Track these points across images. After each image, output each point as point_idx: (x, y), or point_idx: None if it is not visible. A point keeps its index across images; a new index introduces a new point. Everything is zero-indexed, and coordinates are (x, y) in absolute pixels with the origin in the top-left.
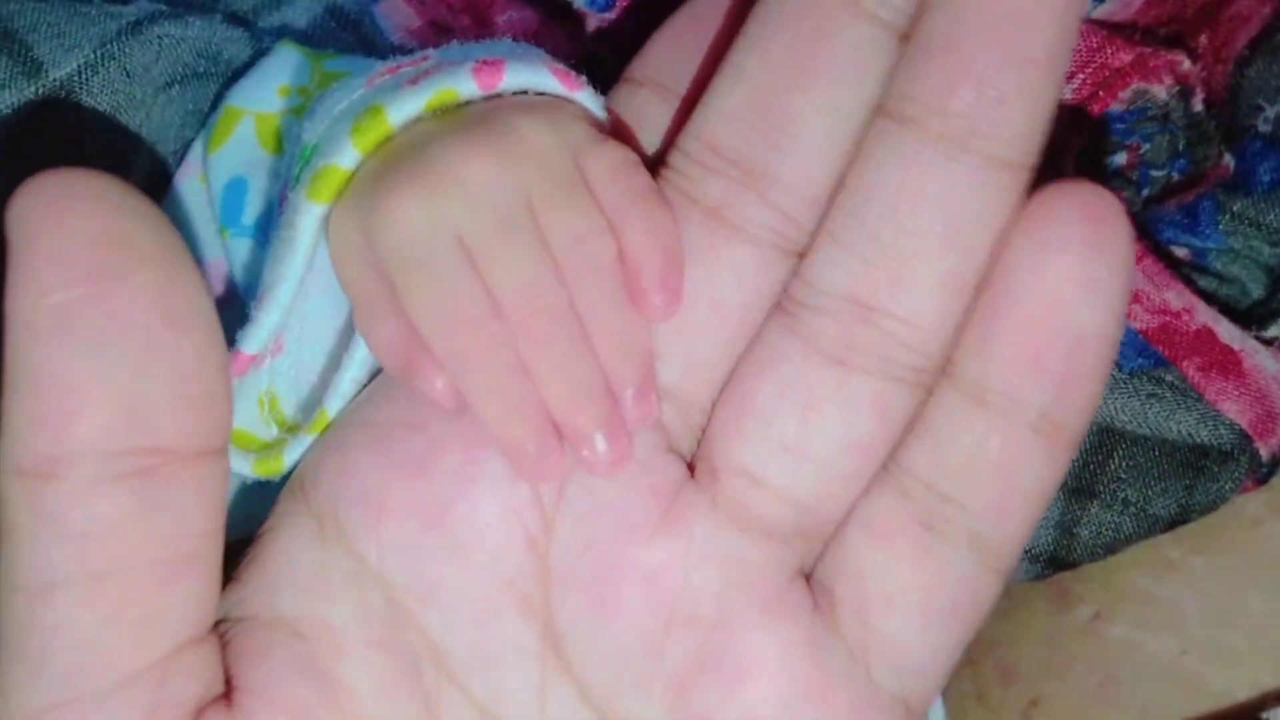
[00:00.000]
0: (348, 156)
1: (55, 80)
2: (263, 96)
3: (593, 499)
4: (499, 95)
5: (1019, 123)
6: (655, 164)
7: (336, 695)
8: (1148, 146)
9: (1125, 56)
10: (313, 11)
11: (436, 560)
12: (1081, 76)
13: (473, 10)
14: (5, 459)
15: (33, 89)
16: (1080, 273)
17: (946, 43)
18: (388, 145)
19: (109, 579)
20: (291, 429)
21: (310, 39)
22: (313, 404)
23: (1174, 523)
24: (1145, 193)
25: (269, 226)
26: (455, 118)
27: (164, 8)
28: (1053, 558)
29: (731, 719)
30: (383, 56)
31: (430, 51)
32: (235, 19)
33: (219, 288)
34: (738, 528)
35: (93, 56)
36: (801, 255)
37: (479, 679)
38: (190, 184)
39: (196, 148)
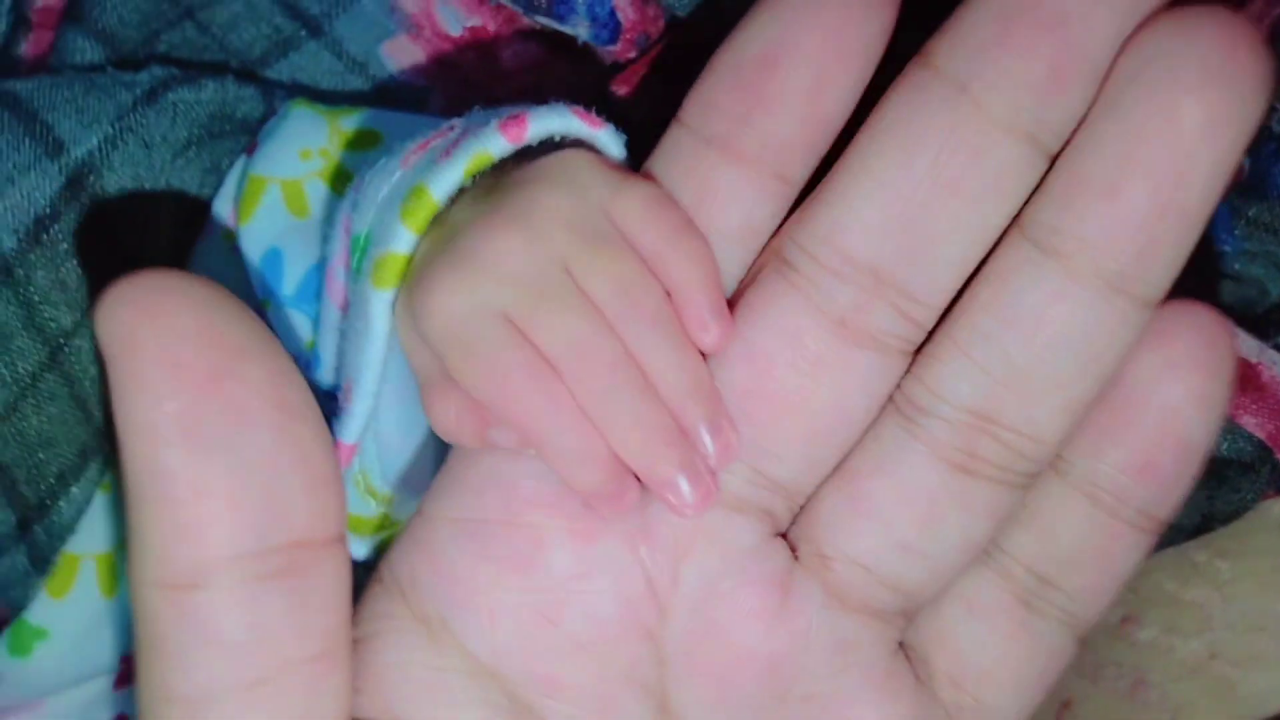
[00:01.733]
0: (403, 240)
1: (77, 158)
2: (285, 162)
3: (707, 586)
4: (529, 146)
5: (1167, 268)
6: (740, 244)
7: None
8: None
9: None
10: (320, 57)
11: (556, 656)
12: None
13: (479, 47)
14: (145, 571)
15: (56, 168)
16: (1199, 391)
17: (1108, 188)
18: (437, 224)
19: (266, 684)
20: (387, 500)
21: (320, 84)
22: (406, 492)
23: (1196, 531)
24: None
25: (311, 294)
26: (489, 192)
27: (175, 71)
28: None
29: None
30: (394, 98)
31: (455, 121)
32: (246, 75)
33: None
34: (847, 610)
35: (111, 131)
36: (916, 352)
37: None
38: (214, 245)
39: (218, 209)
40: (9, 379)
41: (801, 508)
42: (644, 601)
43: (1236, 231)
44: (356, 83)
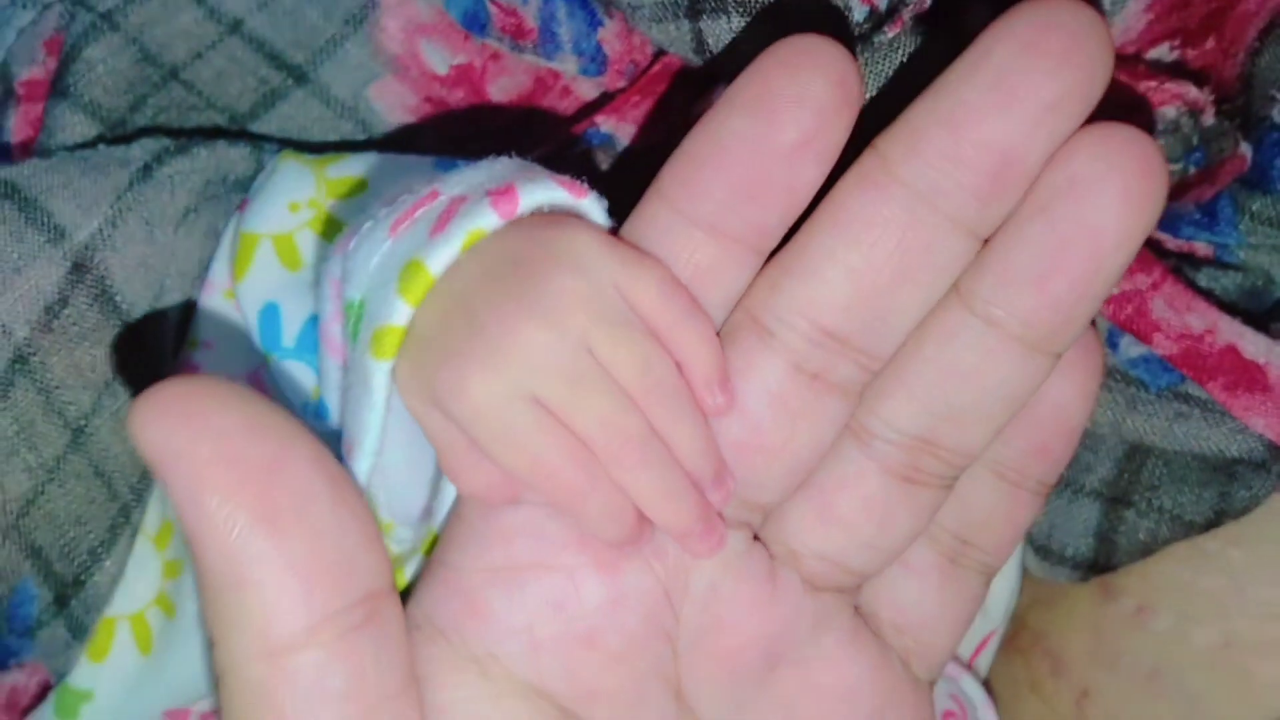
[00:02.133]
0: (401, 314)
1: (80, 243)
2: (275, 217)
3: (710, 588)
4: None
5: (1078, 333)
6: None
7: None
8: (1161, 143)
9: (1133, 94)
10: (308, 105)
11: (594, 671)
12: None
13: (466, 83)
14: (246, 646)
15: (60, 254)
16: (1083, 390)
17: (1037, 278)
18: (434, 296)
19: None
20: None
21: (310, 132)
22: (418, 525)
23: (1209, 526)
24: None
25: (311, 345)
26: (490, 263)
27: (167, 142)
28: (1093, 564)
29: (818, 698)
30: (385, 139)
31: (436, 181)
32: (235, 133)
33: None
34: (818, 591)
35: (111, 212)
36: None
37: None
38: (215, 302)
39: (216, 268)
40: (35, 465)
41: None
42: (662, 610)
43: (1240, 226)
44: (347, 128)
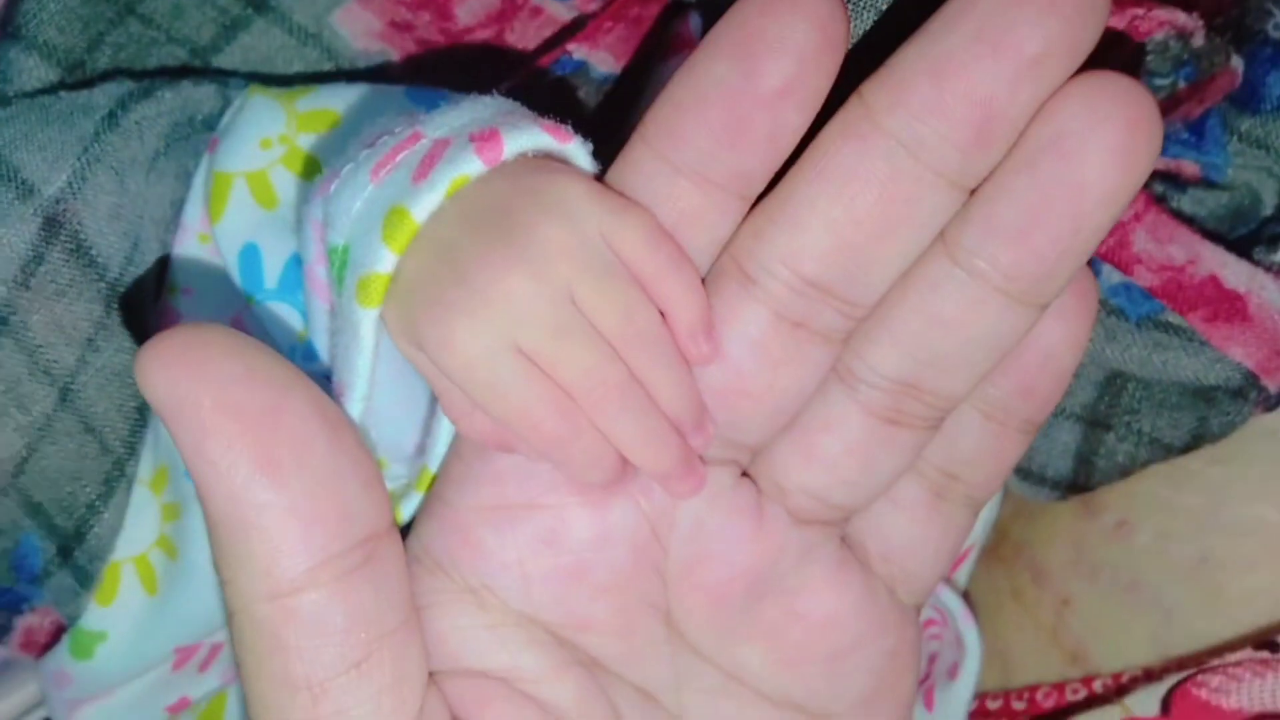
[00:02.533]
0: (386, 262)
1: (49, 197)
2: (246, 154)
3: (698, 523)
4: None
5: (1061, 286)
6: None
7: (549, 714)
8: (1151, 57)
9: (1118, 23)
10: (270, 34)
11: (586, 602)
12: None
13: (433, 6)
14: (252, 588)
15: (30, 211)
16: (1073, 335)
17: (1019, 232)
18: (418, 242)
19: (370, 657)
20: (384, 466)
21: (275, 63)
22: (412, 462)
23: (1187, 449)
24: None
25: (294, 285)
26: (475, 210)
27: (129, 85)
28: (1071, 484)
29: (804, 625)
30: (351, 67)
31: (417, 123)
32: (198, 69)
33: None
34: (804, 524)
35: (79, 164)
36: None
37: (631, 671)
38: (192, 247)
39: (189, 211)
40: (25, 424)
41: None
42: (650, 544)
43: (1229, 147)
44: (312, 56)
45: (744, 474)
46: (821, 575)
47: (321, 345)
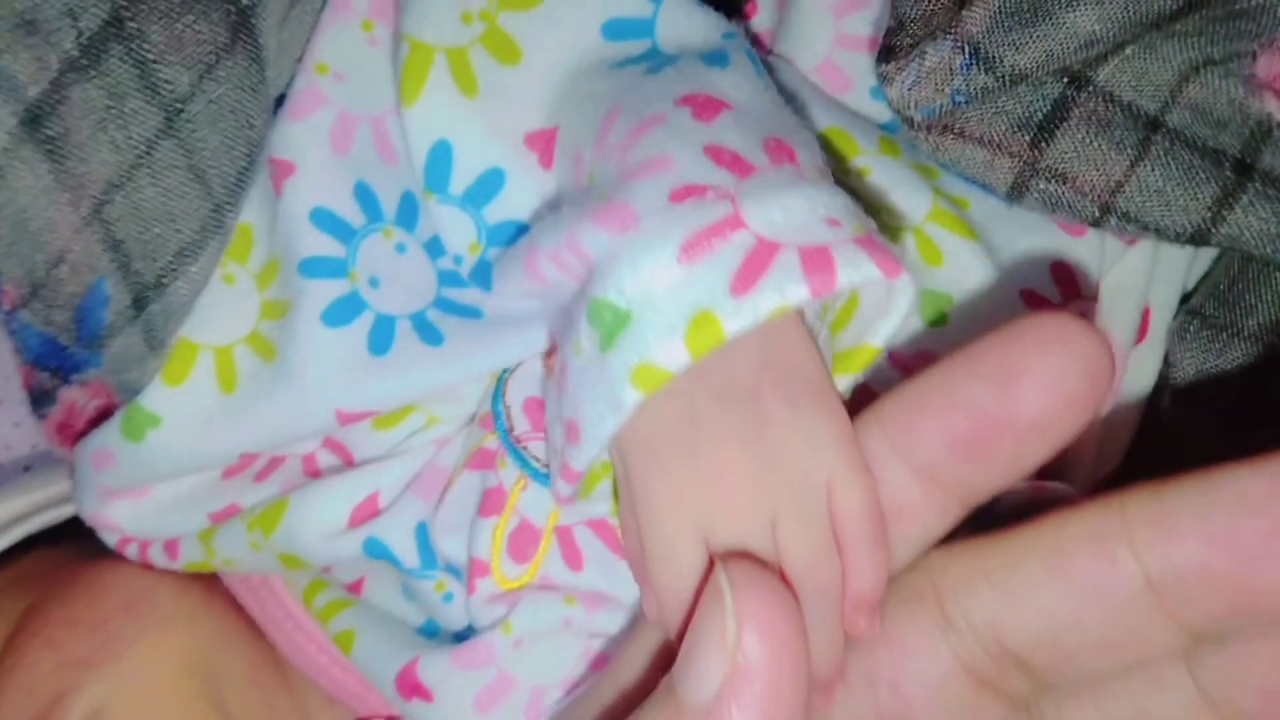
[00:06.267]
0: (677, 361)
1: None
2: (447, 26)
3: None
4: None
5: None
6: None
7: None
8: None
9: None
10: None
11: None
12: None
13: None
14: None
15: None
16: None
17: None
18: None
19: None
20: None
21: None
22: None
23: None
24: None
25: (481, 198)
26: (736, 377)
27: None
28: None
29: None
30: None
31: (737, 190)
32: None
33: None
34: None
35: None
36: None
37: None
38: (352, 31)
39: None
40: (123, 144)
41: None
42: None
43: None
44: None
45: None
46: None
47: (512, 304)
